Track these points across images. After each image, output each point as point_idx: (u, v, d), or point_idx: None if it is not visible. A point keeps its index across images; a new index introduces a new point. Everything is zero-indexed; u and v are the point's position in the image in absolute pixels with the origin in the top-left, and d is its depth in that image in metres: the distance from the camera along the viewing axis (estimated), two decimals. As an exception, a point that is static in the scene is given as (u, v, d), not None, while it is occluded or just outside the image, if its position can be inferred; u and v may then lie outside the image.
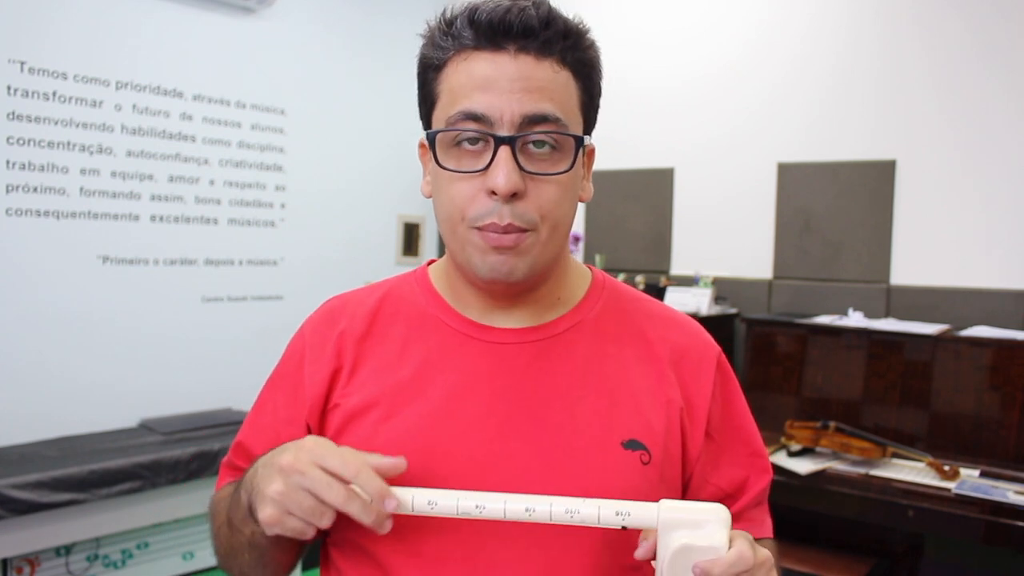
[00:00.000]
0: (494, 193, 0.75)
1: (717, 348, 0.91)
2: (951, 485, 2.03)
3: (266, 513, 0.70)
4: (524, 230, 0.76)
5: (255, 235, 3.08)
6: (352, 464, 0.69)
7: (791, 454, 2.28)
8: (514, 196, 0.75)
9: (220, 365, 2.93)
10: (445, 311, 0.87)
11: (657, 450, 0.82)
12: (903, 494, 2.00)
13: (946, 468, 2.08)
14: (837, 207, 2.80)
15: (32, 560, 2.20)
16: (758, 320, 2.70)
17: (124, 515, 2.32)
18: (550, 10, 0.77)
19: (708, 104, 3.09)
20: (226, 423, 2.69)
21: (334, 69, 3.34)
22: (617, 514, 0.68)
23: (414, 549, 0.78)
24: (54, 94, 2.50)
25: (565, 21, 0.78)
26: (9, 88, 2.40)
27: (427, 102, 0.82)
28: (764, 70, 2.96)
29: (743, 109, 3.00)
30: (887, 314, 2.68)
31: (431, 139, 0.79)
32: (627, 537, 0.80)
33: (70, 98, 2.53)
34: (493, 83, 0.75)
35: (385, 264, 3.58)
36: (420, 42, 0.82)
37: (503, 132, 0.74)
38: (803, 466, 2.18)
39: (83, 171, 2.57)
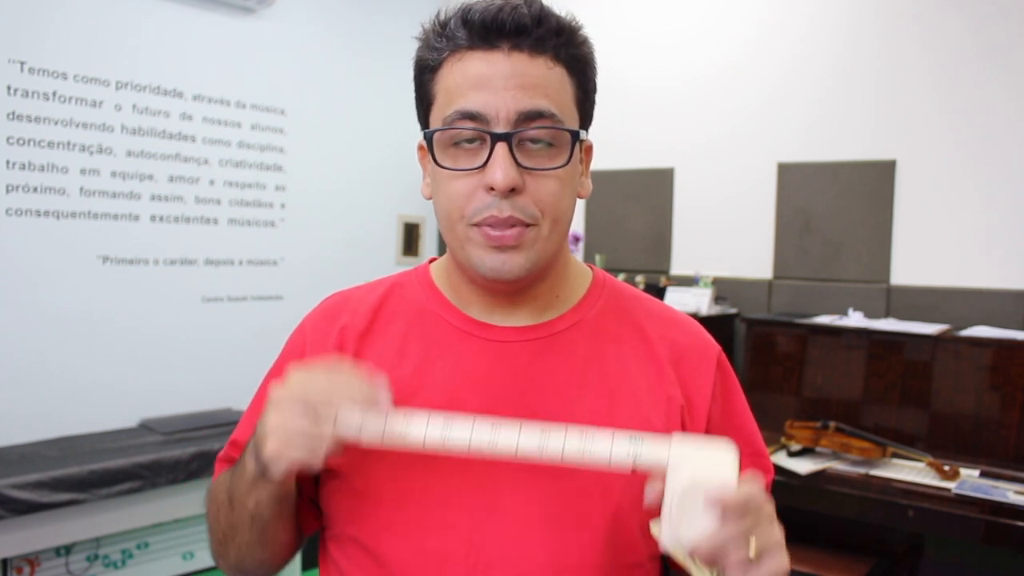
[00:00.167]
0: (492, 189, 0.75)
1: (717, 347, 0.91)
2: (951, 485, 2.03)
3: (270, 447, 0.70)
4: (526, 224, 0.76)
5: (255, 235, 3.08)
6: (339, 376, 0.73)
7: (791, 454, 2.28)
8: (512, 192, 0.75)
9: (220, 365, 2.93)
10: (446, 308, 0.87)
11: None
12: (903, 494, 2.00)
13: (946, 468, 2.08)
14: (837, 207, 2.80)
15: (32, 560, 2.20)
16: (758, 320, 2.70)
17: (124, 515, 2.32)
18: (542, 8, 0.78)
19: (708, 104, 3.09)
20: (226, 423, 2.69)
21: (334, 69, 3.34)
22: (630, 443, 0.68)
23: (415, 546, 0.78)
24: (54, 94, 2.50)
25: (557, 18, 0.79)
26: (9, 88, 2.40)
27: (424, 103, 0.83)
28: (764, 70, 2.96)
29: (743, 109, 3.00)
30: (887, 314, 2.68)
31: (429, 139, 0.80)
32: (629, 536, 0.80)
33: (70, 98, 2.53)
34: (488, 81, 0.75)
35: (385, 264, 3.58)
36: (417, 44, 0.83)
37: (499, 129, 0.75)
38: (803, 466, 2.18)
39: (83, 171, 2.57)
